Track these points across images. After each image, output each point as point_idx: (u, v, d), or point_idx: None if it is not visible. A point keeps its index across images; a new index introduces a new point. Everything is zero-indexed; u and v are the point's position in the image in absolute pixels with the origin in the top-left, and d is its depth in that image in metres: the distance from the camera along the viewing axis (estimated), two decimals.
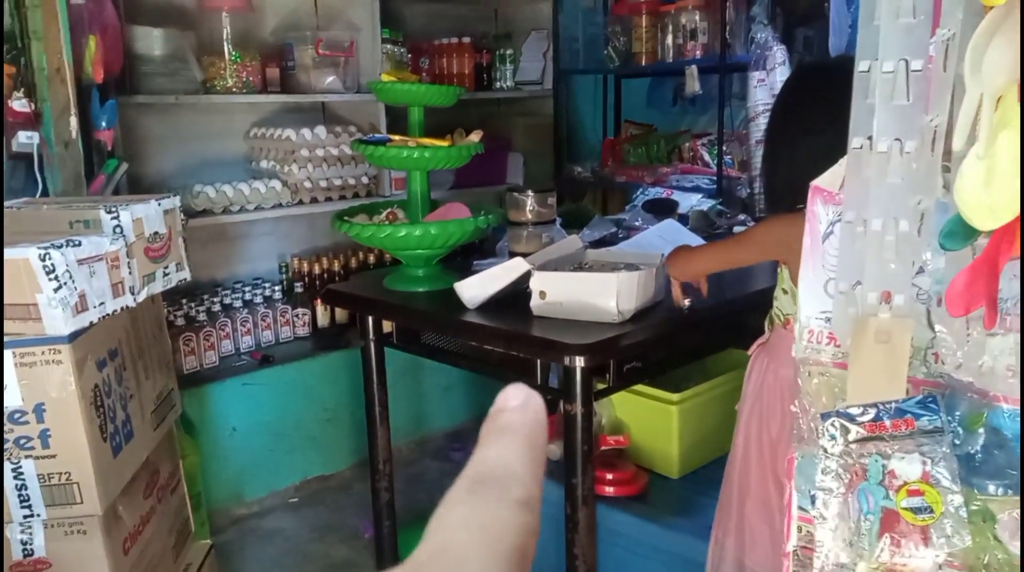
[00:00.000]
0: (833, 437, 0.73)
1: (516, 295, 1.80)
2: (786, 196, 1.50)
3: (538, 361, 1.76)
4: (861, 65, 0.74)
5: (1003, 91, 0.59)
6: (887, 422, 0.71)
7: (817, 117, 1.44)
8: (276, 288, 3.11)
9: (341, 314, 3.18)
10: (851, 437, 0.72)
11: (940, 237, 0.65)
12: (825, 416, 0.75)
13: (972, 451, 0.74)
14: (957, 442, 0.75)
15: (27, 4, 2.23)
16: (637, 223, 2.67)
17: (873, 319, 0.72)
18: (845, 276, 0.76)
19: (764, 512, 1.60)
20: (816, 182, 0.87)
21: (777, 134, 1.58)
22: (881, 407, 0.72)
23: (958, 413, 0.75)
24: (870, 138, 0.73)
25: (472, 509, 0.26)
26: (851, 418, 0.73)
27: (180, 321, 2.79)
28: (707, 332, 1.96)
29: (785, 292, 1.54)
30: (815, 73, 1.65)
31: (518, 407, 0.30)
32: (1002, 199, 0.59)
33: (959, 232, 0.63)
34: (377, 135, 2.13)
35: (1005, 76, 0.58)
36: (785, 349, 1.54)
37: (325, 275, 3.18)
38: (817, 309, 0.86)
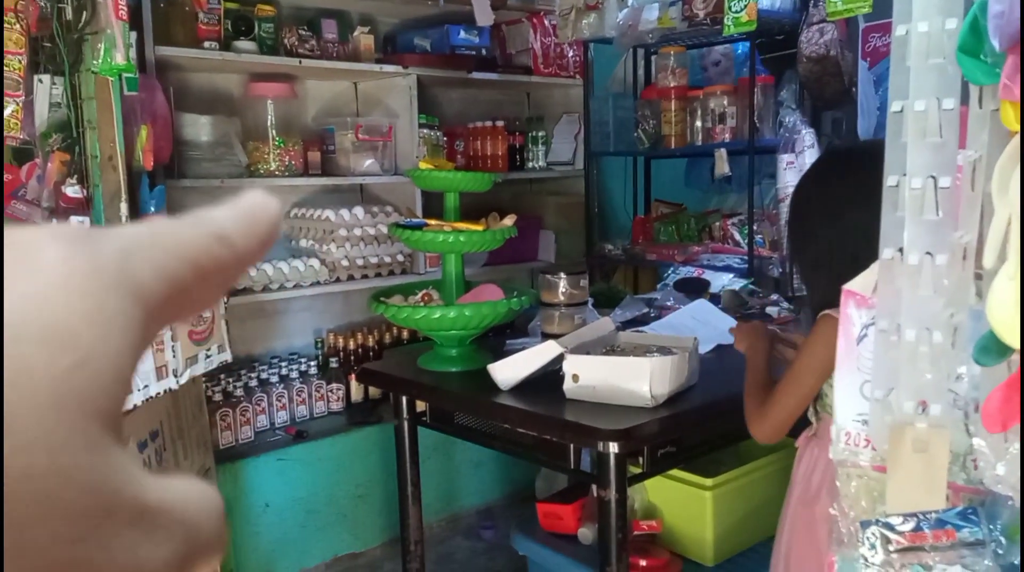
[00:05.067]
0: (874, 547, 0.73)
1: (549, 376, 1.81)
2: (822, 278, 1.46)
3: (571, 445, 1.76)
4: (890, 179, 0.76)
5: None
6: (928, 532, 0.71)
7: (849, 193, 1.40)
8: (312, 363, 3.15)
9: (375, 389, 3.21)
10: (892, 547, 0.72)
11: (975, 352, 0.67)
12: (865, 524, 0.75)
13: (1016, 562, 0.74)
14: (1000, 552, 0.75)
15: (83, 95, 2.35)
16: (669, 303, 2.68)
17: (910, 428, 0.73)
18: (880, 383, 0.77)
19: None
20: (848, 286, 0.88)
21: (808, 211, 1.53)
22: (922, 517, 0.72)
23: (1000, 522, 0.74)
24: (900, 250, 0.75)
25: None
26: (891, 528, 0.73)
27: (218, 396, 2.83)
28: (741, 417, 1.95)
29: (832, 385, 1.50)
30: (846, 154, 1.65)
31: None
32: None
33: (993, 348, 0.64)
34: (414, 220, 2.19)
35: None
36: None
37: (360, 350, 3.22)
38: (853, 411, 0.86)
